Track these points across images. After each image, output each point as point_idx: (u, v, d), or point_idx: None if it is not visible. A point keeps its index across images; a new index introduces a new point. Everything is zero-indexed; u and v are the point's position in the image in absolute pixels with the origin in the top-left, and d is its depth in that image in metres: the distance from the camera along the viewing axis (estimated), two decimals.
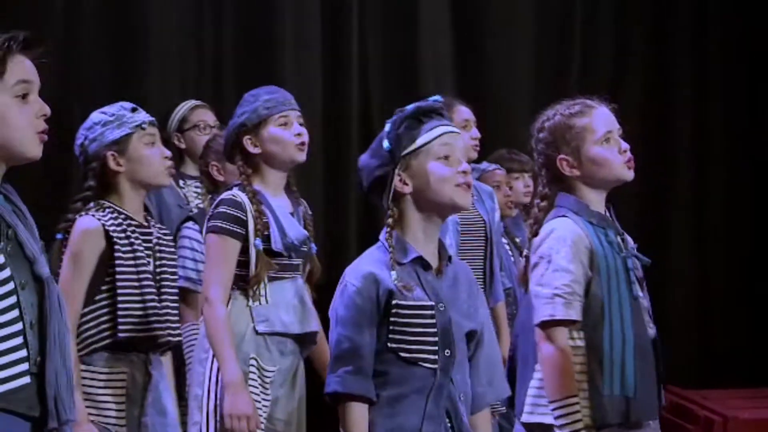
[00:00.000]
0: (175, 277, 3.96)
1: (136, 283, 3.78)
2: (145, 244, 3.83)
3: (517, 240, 5.88)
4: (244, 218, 3.95)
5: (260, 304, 3.96)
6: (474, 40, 6.78)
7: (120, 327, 3.74)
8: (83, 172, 3.94)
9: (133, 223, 3.83)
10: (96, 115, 3.94)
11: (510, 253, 5.81)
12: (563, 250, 3.44)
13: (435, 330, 3.09)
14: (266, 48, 6.21)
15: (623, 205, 3.70)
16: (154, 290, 3.81)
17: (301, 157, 4.10)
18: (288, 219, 4.03)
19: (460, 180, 3.14)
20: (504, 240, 5.81)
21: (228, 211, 3.95)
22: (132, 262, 3.78)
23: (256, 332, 3.95)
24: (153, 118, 3.95)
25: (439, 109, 3.20)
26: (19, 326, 2.60)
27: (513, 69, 6.81)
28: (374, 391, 3.08)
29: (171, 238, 4.02)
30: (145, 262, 3.80)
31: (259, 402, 3.93)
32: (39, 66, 2.71)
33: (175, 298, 3.93)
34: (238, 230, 3.94)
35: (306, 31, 6.31)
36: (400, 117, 3.15)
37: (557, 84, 6.72)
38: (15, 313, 2.59)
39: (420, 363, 3.08)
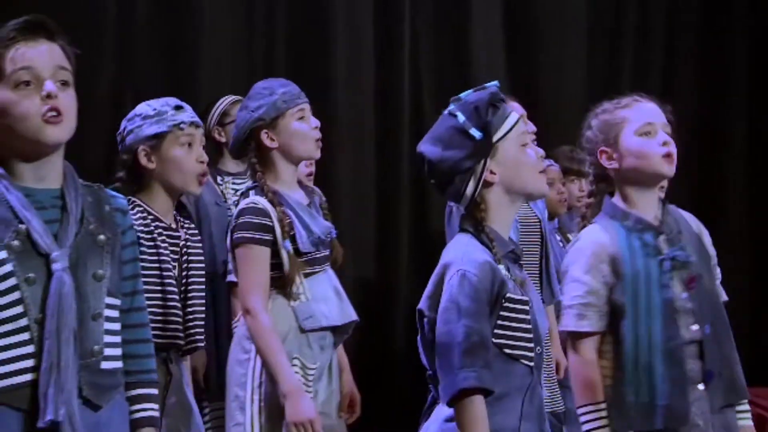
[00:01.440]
0: (202, 280, 3.89)
1: (159, 288, 3.74)
2: (171, 248, 3.79)
3: (570, 236, 5.86)
4: (270, 224, 3.89)
5: (301, 302, 3.93)
6: (525, 36, 6.76)
7: None
8: (117, 162, 3.91)
9: (161, 225, 3.79)
10: (141, 107, 3.89)
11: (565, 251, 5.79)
12: (580, 261, 3.44)
13: (530, 326, 3.02)
14: (317, 43, 6.21)
15: (675, 204, 3.67)
16: (176, 296, 3.77)
17: (318, 153, 4.09)
18: (309, 214, 3.99)
19: (542, 166, 3.11)
20: (558, 237, 5.80)
21: (253, 220, 3.89)
22: (156, 266, 3.74)
23: (300, 330, 3.92)
24: (196, 120, 3.88)
25: (500, 94, 3.11)
26: (23, 322, 2.59)
27: (564, 67, 6.79)
28: None
29: (199, 239, 3.94)
30: (170, 267, 3.76)
31: None
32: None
33: (203, 302, 3.88)
34: (266, 237, 3.88)
35: (358, 26, 6.30)
36: (482, 104, 3.04)
37: (609, 81, 6.70)
38: (19, 308, 2.59)
39: (521, 360, 3.00)
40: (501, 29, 6.70)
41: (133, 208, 3.77)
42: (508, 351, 2.99)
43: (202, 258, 3.93)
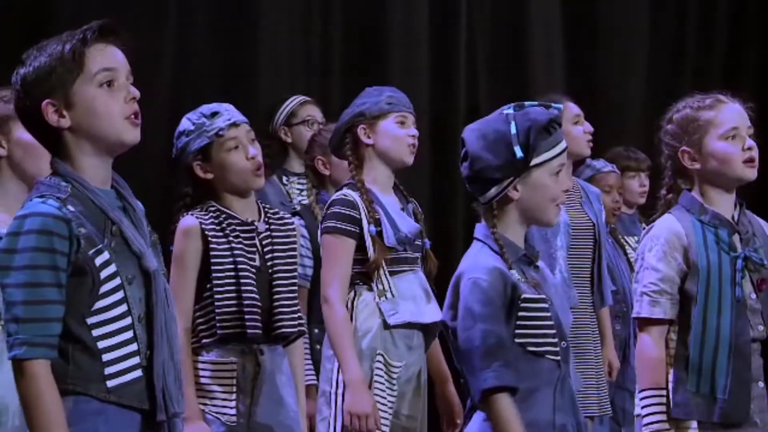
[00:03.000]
0: (290, 268, 3.94)
1: (233, 280, 3.80)
2: (246, 241, 3.85)
3: (624, 239, 5.84)
4: (358, 216, 3.98)
5: (386, 298, 3.99)
6: (586, 36, 6.73)
7: (218, 324, 3.79)
8: (182, 179, 4.00)
9: (234, 221, 3.85)
10: (183, 123, 3.97)
11: (617, 252, 5.76)
12: (655, 248, 3.48)
13: (552, 323, 3.10)
14: (374, 44, 6.21)
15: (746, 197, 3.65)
16: (253, 285, 3.82)
17: (410, 159, 4.15)
18: (399, 214, 4.06)
19: (561, 199, 3.18)
20: (609, 239, 5.76)
21: (341, 211, 3.98)
22: (230, 259, 3.80)
23: (385, 327, 3.98)
24: (235, 119, 3.91)
25: (560, 119, 3.20)
26: (128, 320, 2.63)
27: (625, 65, 6.75)
28: None
29: (290, 229, 3.98)
30: (245, 258, 3.82)
31: (385, 398, 3.96)
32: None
33: (292, 290, 3.92)
34: (353, 229, 3.97)
35: (414, 27, 6.30)
36: (535, 126, 3.11)
37: (670, 80, 6.65)
38: (123, 307, 2.63)
39: (546, 355, 3.08)
40: (560, 28, 6.66)
41: (206, 210, 3.87)
42: (532, 348, 3.09)
43: (290, 248, 3.95)
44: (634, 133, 6.26)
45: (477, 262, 3.12)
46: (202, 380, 3.81)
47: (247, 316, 3.78)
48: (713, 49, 6.98)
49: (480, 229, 3.18)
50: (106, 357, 2.61)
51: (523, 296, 3.07)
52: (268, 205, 4.02)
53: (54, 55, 2.64)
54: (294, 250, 3.96)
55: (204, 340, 3.82)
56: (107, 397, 2.61)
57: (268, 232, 3.91)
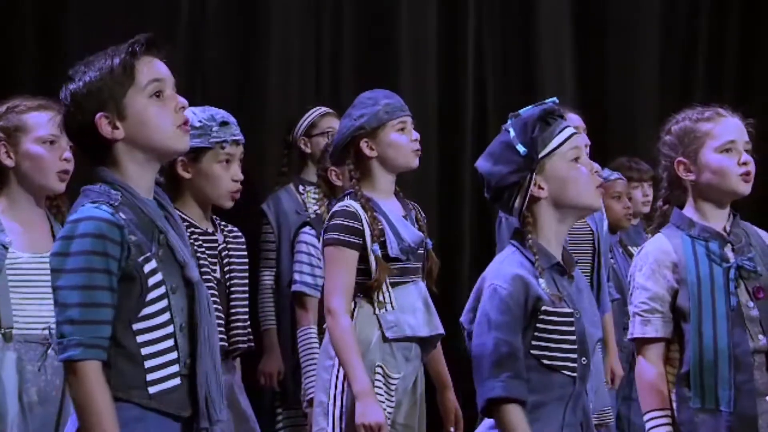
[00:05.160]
0: (245, 282, 3.97)
1: None
2: (208, 252, 3.85)
3: (633, 249, 5.84)
4: (360, 228, 3.97)
5: (386, 310, 3.98)
6: (595, 44, 6.73)
7: None
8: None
9: (196, 231, 3.85)
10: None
11: (627, 263, 5.76)
12: (644, 268, 3.50)
13: (574, 338, 3.08)
14: (382, 52, 6.23)
15: (744, 212, 3.65)
16: (216, 297, 3.81)
17: (416, 163, 4.15)
18: (402, 222, 4.05)
19: (596, 182, 3.16)
20: (619, 249, 5.77)
21: (344, 223, 3.97)
22: None
23: (384, 339, 3.97)
24: (239, 137, 3.93)
25: (560, 110, 3.20)
26: (170, 329, 2.70)
27: (635, 75, 6.75)
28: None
29: (242, 242, 4.01)
30: (208, 270, 3.82)
31: (385, 410, 3.94)
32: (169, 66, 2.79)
33: (245, 304, 3.95)
34: (355, 240, 3.96)
35: (422, 35, 6.33)
36: (530, 120, 3.13)
37: (681, 89, 6.65)
38: (167, 315, 2.70)
39: (561, 371, 3.07)
40: (570, 36, 6.67)
41: None
42: (546, 362, 3.07)
43: (244, 261, 3.99)
44: (643, 143, 6.26)
45: (501, 269, 3.12)
46: None
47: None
48: (725, 59, 6.97)
49: (516, 234, 3.17)
50: (148, 363, 2.67)
51: (543, 308, 3.06)
52: (217, 217, 4.00)
53: (104, 69, 2.72)
54: (246, 264, 3.98)
55: None
56: (149, 404, 2.66)
57: (225, 244, 3.92)
